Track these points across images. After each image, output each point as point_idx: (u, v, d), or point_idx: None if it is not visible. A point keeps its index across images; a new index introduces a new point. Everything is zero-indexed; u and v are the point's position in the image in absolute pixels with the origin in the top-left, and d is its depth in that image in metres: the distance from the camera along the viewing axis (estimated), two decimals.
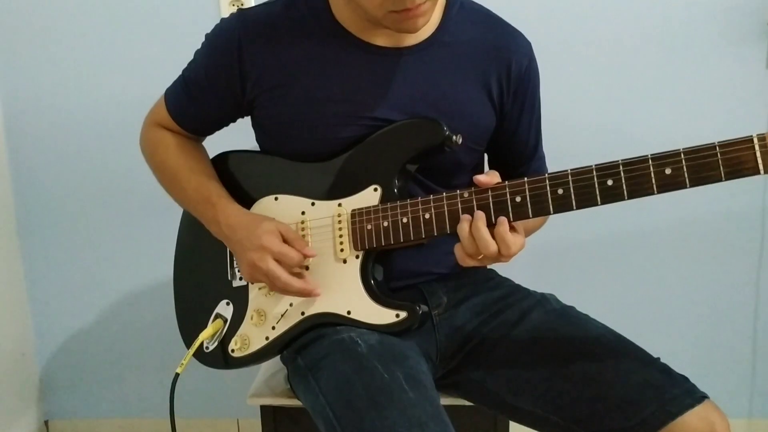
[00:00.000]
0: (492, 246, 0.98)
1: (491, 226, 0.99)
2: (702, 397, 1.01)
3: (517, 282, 1.27)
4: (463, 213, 1.02)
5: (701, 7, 1.66)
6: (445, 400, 1.19)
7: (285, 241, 1.09)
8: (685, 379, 1.04)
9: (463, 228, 1.00)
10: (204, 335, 1.18)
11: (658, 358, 1.07)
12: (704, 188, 1.89)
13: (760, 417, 1.88)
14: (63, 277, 1.94)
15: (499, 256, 0.99)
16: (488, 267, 1.33)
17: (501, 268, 1.31)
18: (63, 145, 1.85)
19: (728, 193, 1.74)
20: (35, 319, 1.98)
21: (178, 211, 1.28)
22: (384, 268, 1.13)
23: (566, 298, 1.21)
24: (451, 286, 1.21)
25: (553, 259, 1.79)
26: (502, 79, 1.15)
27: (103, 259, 1.92)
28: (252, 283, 1.17)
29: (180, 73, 1.22)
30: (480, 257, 1.00)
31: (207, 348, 1.20)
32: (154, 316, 1.91)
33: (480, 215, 0.99)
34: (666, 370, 1.05)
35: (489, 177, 1.00)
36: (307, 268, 1.12)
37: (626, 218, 1.78)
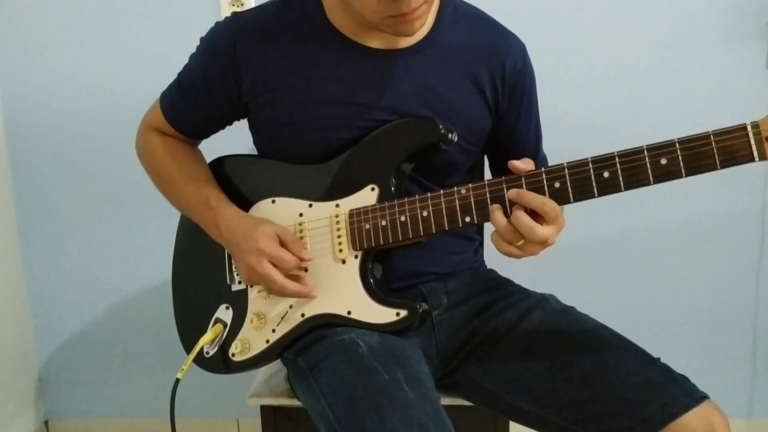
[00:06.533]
0: (539, 230, 0.95)
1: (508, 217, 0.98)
2: (702, 397, 1.01)
3: (517, 282, 1.27)
4: (461, 209, 1.02)
5: (701, 8, 1.66)
6: (445, 400, 1.19)
7: (282, 243, 1.08)
8: (685, 379, 1.04)
9: (497, 217, 0.98)
10: (204, 340, 1.18)
11: (658, 358, 1.07)
12: (704, 188, 1.89)
13: (760, 417, 1.87)
14: (63, 277, 1.94)
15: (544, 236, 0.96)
16: (488, 267, 1.33)
17: (501, 268, 1.31)
18: (63, 145, 1.85)
19: (728, 192, 1.74)
20: (35, 319, 1.98)
21: (178, 211, 1.28)
22: (383, 269, 1.13)
23: (566, 298, 1.21)
24: (451, 287, 1.21)
25: (553, 260, 1.78)
26: (496, 80, 1.15)
27: (103, 258, 1.92)
28: (251, 287, 1.17)
29: (176, 74, 1.21)
30: (519, 243, 0.97)
31: (207, 353, 1.19)
32: (155, 316, 1.90)
33: (520, 213, 0.96)
34: (666, 370, 1.05)
35: (524, 164, 1.00)
36: (306, 270, 1.12)
37: (626, 218, 1.78)
